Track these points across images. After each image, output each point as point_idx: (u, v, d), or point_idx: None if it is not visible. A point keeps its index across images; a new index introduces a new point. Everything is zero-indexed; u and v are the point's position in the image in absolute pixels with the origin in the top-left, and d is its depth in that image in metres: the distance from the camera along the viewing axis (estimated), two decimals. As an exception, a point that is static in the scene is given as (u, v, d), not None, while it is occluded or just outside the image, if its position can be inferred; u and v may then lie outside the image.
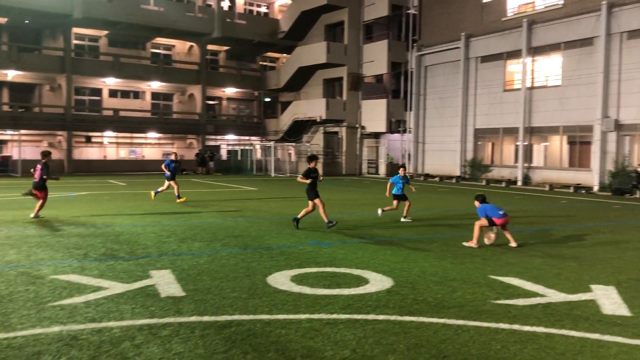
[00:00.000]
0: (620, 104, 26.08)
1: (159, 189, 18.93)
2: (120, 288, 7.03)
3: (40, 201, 13.69)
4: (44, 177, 13.62)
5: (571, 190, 26.43)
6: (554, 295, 6.97)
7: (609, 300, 6.79)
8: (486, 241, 10.67)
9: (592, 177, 27.05)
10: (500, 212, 10.36)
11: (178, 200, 18.25)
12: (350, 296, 6.79)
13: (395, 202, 14.50)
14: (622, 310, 6.38)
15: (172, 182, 18.47)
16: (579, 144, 28.65)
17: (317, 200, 12.68)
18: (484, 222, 10.41)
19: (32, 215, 13.66)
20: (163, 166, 18.90)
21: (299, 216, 12.87)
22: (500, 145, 32.69)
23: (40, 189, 13.67)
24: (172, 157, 19.13)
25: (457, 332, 5.51)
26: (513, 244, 10.47)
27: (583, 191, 25.98)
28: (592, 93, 27.11)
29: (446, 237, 11.71)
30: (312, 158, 13.50)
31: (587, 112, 27.39)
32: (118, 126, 40.53)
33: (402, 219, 14.30)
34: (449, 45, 34.79)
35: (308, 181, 12.76)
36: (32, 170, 14.34)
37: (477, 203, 10.74)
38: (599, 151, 26.72)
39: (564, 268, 8.65)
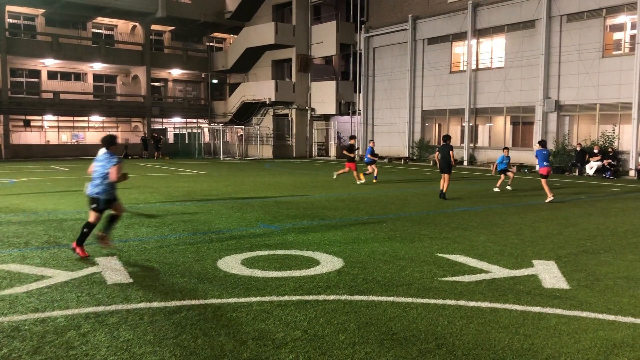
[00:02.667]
0: (560, 85, 27.02)
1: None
2: (64, 276, 6.82)
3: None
4: None
5: (514, 169, 27.27)
6: (498, 271, 7.21)
7: (549, 274, 7.08)
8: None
9: (534, 157, 27.97)
10: (545, 163, 14.49)
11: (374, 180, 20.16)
12: (301, 278, 6.82)
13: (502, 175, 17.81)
14: (562, 283, 6.67)
15: (373, 166, 20.12)
16: (521, 124, 29.57)
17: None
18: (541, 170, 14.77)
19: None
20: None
21: (444, 190, 14.99)
22: (446, 126, 33.35)
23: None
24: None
25: (405, 310, 5.63)
26: (548, 198, 14.07)
27: (526, 170, 26.88)
28: (533, 74, 27.96)
29: (395, 217, 11.90)
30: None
31: (529, 93, 28.26)
32: (59, 109, 39.02)
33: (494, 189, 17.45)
34: (396, 27, 35.04)
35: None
36: None
37: (537, 146, 14.78)
38: (540, 131, 27.67)
39: (507, 245, 8.96)
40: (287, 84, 40.14)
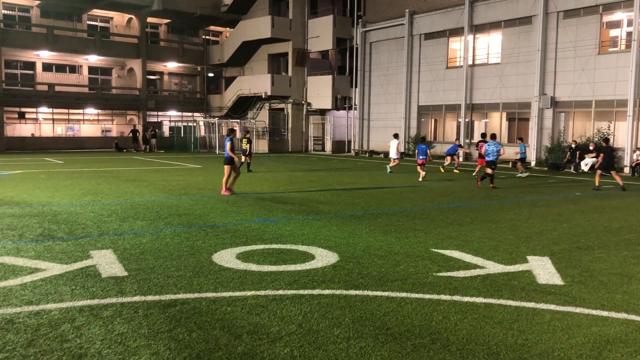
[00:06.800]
0: (557, 81, 27.06)
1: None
2: (58, 269, 6.80)
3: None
4: None
5: (509, 165, 27.36)
6: (493, 267, 7.23)
7: (543, 270, 7.11)
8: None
9: (529, 153, 28.07)
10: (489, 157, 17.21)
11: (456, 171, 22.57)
12: (297, 272, 6.82)
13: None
14: (556, 279, 6.69)
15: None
16: (517, 120, 29.61)
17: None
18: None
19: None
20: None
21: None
22: (442, 122, 33.37)
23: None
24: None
25: (400, 305, 5.64)
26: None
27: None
28: (530, 71, 27.98)
29: (390, 212, 11.92)
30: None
31: (525, 90, 28.29)
32: (53, 102, 38.84)
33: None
34: (393, 22, 34.98)
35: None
36: None
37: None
38: (536, 127, 27.72)
39: (502, 240, 8.98)
40: (284, 78, 40.05)
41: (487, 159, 17.31)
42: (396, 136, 23.20)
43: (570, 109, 27.06)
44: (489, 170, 17.15)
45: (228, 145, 14.15)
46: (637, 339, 4.84)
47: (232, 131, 15.13)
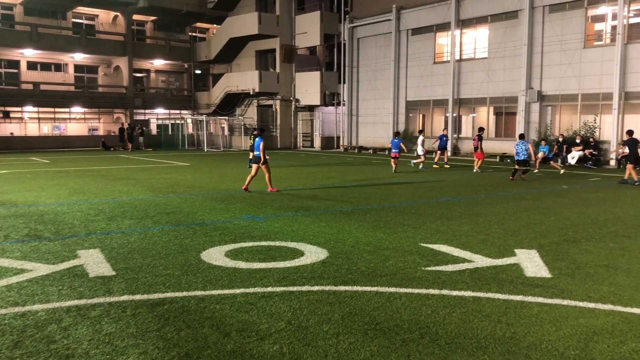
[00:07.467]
0: (543, 75, 27.21)
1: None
2: (45, 269, 6.74)
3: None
4: None
5: (497, 159, 27.50)
6: (481, 261, 7.27)
7: (531, 263, 7.15)
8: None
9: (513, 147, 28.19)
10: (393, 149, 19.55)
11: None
12: (286, 269, 6.81)
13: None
14: (543, 272, 6.74)
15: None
16: (504, 115, 29.76)
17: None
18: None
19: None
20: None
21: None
22: (430, 117, 33.46)
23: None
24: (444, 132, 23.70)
25: (389, 300, 5.65)
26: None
27: (508, 160, 27.08)
28: (516, 65, 28.11)
29: (379, 207, 11.93)
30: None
31: (512, 84, 28.43)
32: (39, 100, 38.45)
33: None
34: (380, 18, 34.98)
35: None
36: None
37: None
38: (523, 121, 27.87)
39: (490, 234, 9.03)
40: (271, 74, 39.94)
41: (516, 158, 18.06)
42: (420, 132, 23.79)
43: (556, 103, 27.24)
44: (517, 167, 18.10)
45: (261, 145, 14.15)
46: (623, 329, 4.89)
47: (262, 131, 15.24)
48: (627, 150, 17.63)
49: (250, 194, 13.91)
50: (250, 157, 22.68)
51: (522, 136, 19.15)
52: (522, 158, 17.89)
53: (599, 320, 5.13)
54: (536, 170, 21.00)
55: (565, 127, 26.68)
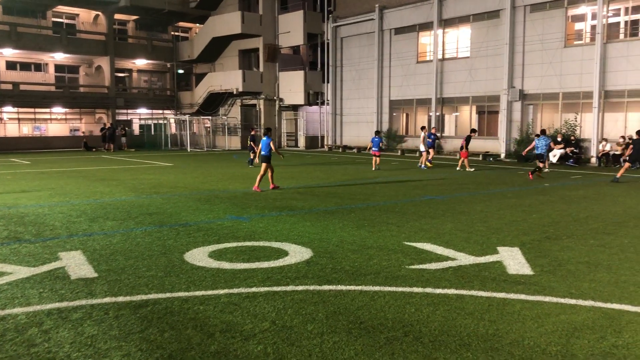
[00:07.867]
0: (525, 74, 27.48)
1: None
2: (25, 272, 6.65)
3: None
4: None
5: (480, 158, 27.71)
6: (464, 259, 7.32)
7: (514, 260, 7.22)
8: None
9: (499, 145, 28.49)
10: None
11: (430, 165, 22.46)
12: (270, 269, 6.79)
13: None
14: (525, 269, 6.81)
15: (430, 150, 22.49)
16: (487, 114, 30.00)
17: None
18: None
19: None
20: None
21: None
22: (414, 116, 33.62)
23: None
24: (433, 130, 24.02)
25: (373, 298, 5.67)
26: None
27: (491, 159, 27.32)
28: (498, 64, 28.35)
29: (363, 206, 11.96)
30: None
31: (494, 83, 28.66)
32: (18, 101, 37.95)
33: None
34: (363, 17, 35.05)
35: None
36: None
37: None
38: (505, 120, 28.12)
39: (473, 232, 9.09)
40: (255, 74, 39.82)
41: (536, 152, 18.69)
42: (423, 128, 23.82)
43: (538, 102, 27.52)
44: (540, 164, 18.65)
45: (272, 144, 14.73)
46: (603, 325, 4.95)
47: (269, 130, 15.38)
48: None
49: (234, 194, 13.85)
50: (251, 156, 22.94)
51: (543, 132, 19.16)
52: (540, 152, 18.51)
53: (580, 316, 5.19)
54: (546, 170, 21.06)
55: (547, 126, 26.95)
